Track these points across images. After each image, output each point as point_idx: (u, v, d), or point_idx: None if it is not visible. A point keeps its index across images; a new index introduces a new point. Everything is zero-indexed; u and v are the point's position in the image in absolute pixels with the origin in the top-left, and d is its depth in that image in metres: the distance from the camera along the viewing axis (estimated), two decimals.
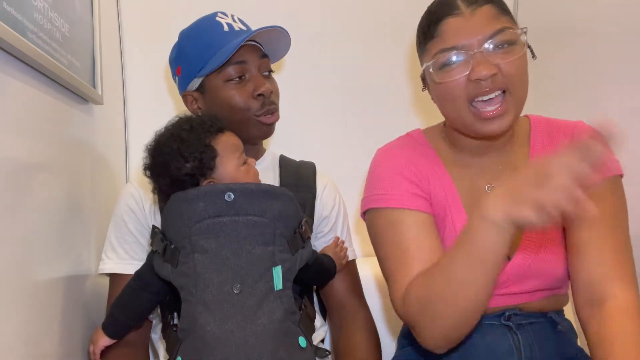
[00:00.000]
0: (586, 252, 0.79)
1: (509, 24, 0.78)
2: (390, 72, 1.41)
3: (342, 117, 1.41)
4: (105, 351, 0.88)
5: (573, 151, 0.60)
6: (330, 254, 0.97)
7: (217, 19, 1.00)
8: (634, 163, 0.94)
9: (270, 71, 1.04)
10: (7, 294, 0.67)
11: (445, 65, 0.79)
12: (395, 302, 0.82)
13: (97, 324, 0.96)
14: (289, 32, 1.02)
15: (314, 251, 0.89)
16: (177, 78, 1.04)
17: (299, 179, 1.04)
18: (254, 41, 1.01)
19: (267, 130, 1.01)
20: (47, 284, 0.80)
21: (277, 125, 1.02)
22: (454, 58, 0.77)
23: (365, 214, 0.92)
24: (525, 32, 0.80)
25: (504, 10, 0.80)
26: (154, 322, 0.98)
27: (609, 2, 1.09)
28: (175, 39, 1.02)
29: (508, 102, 0.77)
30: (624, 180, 0.85)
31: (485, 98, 0.77)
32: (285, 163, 1.08)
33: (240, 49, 0.96)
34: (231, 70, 0.96)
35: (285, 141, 1.35)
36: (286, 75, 1.14)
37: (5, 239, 0.67)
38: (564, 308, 0.94)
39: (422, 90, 0.88)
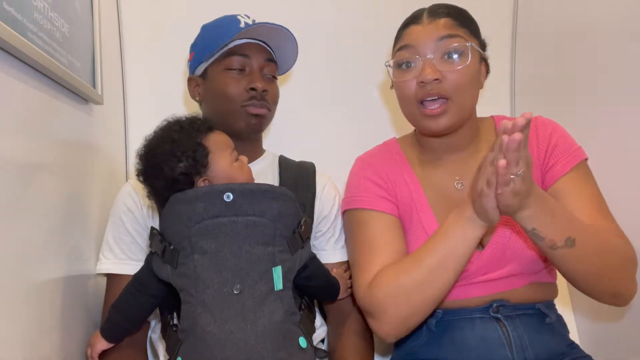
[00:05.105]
0: (566, 202, 0.86)
1: (461, 34, 0.89)
2: None
3: (342, 118, 1.41)
4: (104, 353, 0.88)
5: (488, 154, 0.73)
6: (336, 276, 0.98)
7: (238, 17, 1.01)
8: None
9: (274, 77, 1.05)
10: (7, 294, 0.67)
11: (400, 66, 0.92)
12: (359, 289, 0.91)
13: (97, 324, 0.96)
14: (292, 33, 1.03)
15: (312, 252, 0.89)
16: (189, 63, 1.08)
17: (299, 178, 1.05)
18: (264, 43, 1.02)
19: (255, 122, 1.00)
20: (47, 284, 0.80)
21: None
22: (407, 60, 0.91)
23: (343, 215, 1.03)
24: (480, 45, 0.92)
25: (463, 24, 0.91)
26: (152, 322, 0.98)
27: (608, 5, 1.08)
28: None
29: (448, 106, 0.89)
30: (626, 183, 0.91)
31: (429, 99, 0.89)
32: (284, 163, 1.08)
33: (246, 44, 1.00)
34: (233, 61, 1.00)
35: (285, 141, 1.35)
36: (286, 75, 1.14)
37: (5, 239, 0.67)
38: (558, 307, 0.96)
39: (390, 88, 0.98)
